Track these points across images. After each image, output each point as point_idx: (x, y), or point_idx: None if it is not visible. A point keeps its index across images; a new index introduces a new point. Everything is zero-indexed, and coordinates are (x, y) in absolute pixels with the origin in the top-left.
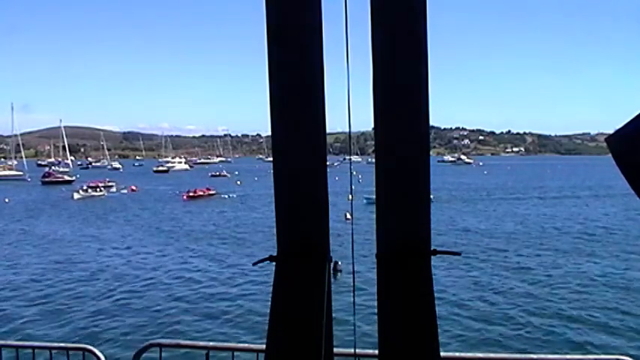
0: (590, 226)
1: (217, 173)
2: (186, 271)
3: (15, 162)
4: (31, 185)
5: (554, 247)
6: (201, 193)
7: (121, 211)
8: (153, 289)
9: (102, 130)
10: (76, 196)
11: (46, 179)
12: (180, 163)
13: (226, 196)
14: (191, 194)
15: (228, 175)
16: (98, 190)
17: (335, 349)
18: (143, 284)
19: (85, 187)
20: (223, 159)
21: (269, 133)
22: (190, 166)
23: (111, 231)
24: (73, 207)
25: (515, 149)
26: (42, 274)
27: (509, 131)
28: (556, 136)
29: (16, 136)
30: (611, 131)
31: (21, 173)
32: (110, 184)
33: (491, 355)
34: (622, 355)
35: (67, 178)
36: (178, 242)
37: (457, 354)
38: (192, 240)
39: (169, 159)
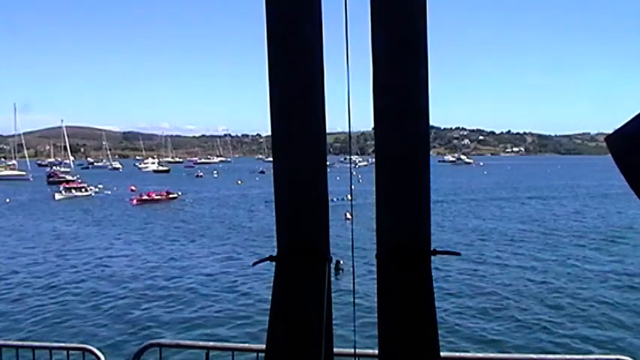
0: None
1: (200, 174)
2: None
3: (15, 162)
4: (35, 185)
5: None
6: (158, 197)
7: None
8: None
9: (102, 130)
10: (57, 196)
11: (52, 179)
12: (154, 164)
13: (187, 200)
14: (144, 197)
15: (203, 174)
16: (84, 190)
17: (335, 349)
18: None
19: (64, 188)
20: (223, 159)
21: (269, 133)
22: (163, 166)
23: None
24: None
25: (515, 149)
26: None
27: (509, 131)
28: (556, 136)
29: (18, 135)
30: (611, 131)
31: (24, 173)
32: (82, 185)
33: (491, 355)
34: (622, 355)
35: (69, 178)
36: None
37: (457, 354)
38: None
39: (145, 160)
